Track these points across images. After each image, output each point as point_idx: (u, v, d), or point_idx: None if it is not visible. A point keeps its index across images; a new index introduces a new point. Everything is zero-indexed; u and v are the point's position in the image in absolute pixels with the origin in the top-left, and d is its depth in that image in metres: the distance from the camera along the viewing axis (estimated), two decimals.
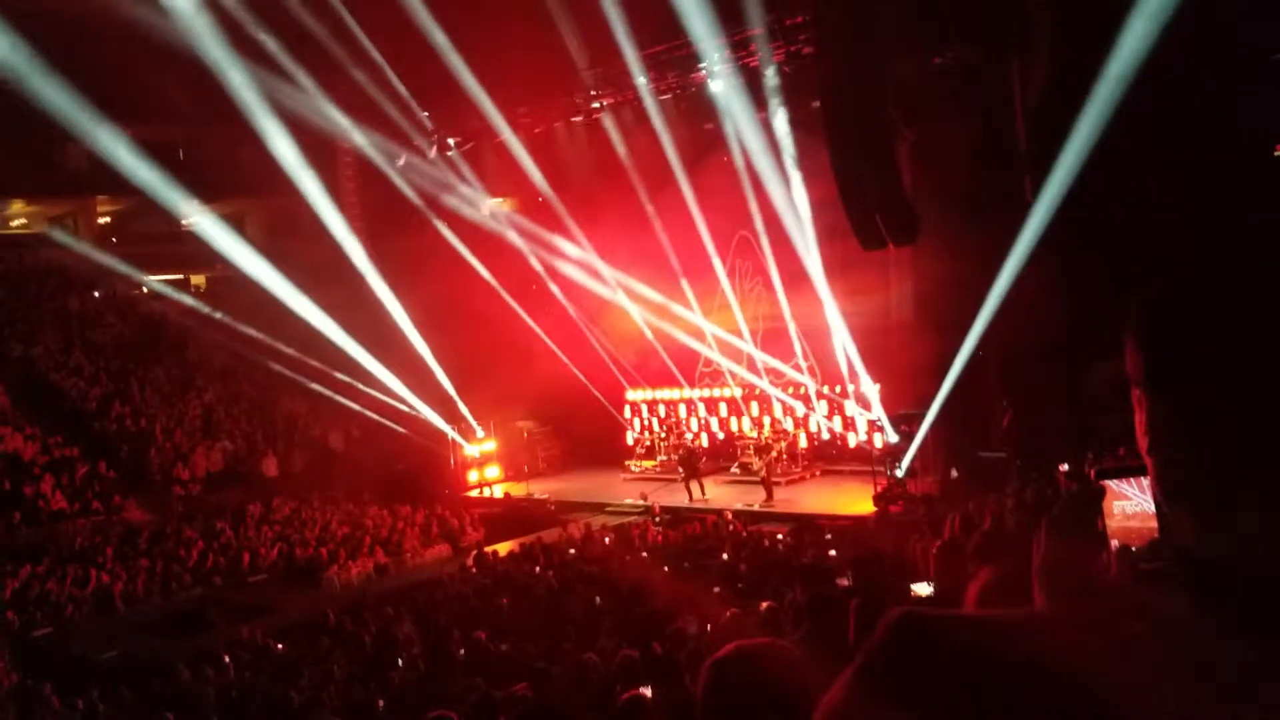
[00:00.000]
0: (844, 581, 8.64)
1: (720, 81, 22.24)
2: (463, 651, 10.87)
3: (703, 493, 22.74)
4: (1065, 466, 14.81)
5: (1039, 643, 1.03)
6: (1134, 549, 1.59)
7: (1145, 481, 1.54)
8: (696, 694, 2.16)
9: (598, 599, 13.06)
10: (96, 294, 30.42)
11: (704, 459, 24.48)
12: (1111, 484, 1.58)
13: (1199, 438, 1.09)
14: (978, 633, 1.03)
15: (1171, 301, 1.12)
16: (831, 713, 0.96)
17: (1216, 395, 1.06)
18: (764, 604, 10.02)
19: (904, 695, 0.94)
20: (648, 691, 5.77)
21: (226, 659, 12.70)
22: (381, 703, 9.30)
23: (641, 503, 22.32)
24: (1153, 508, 1.53)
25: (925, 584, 6.35)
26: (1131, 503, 1.57)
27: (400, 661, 11.26)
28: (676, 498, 22.60)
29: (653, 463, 26.39)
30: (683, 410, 26.84)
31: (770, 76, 20.90)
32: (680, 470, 23.29)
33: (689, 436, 26.09)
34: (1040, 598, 1.59)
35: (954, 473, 18.73)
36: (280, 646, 13.46)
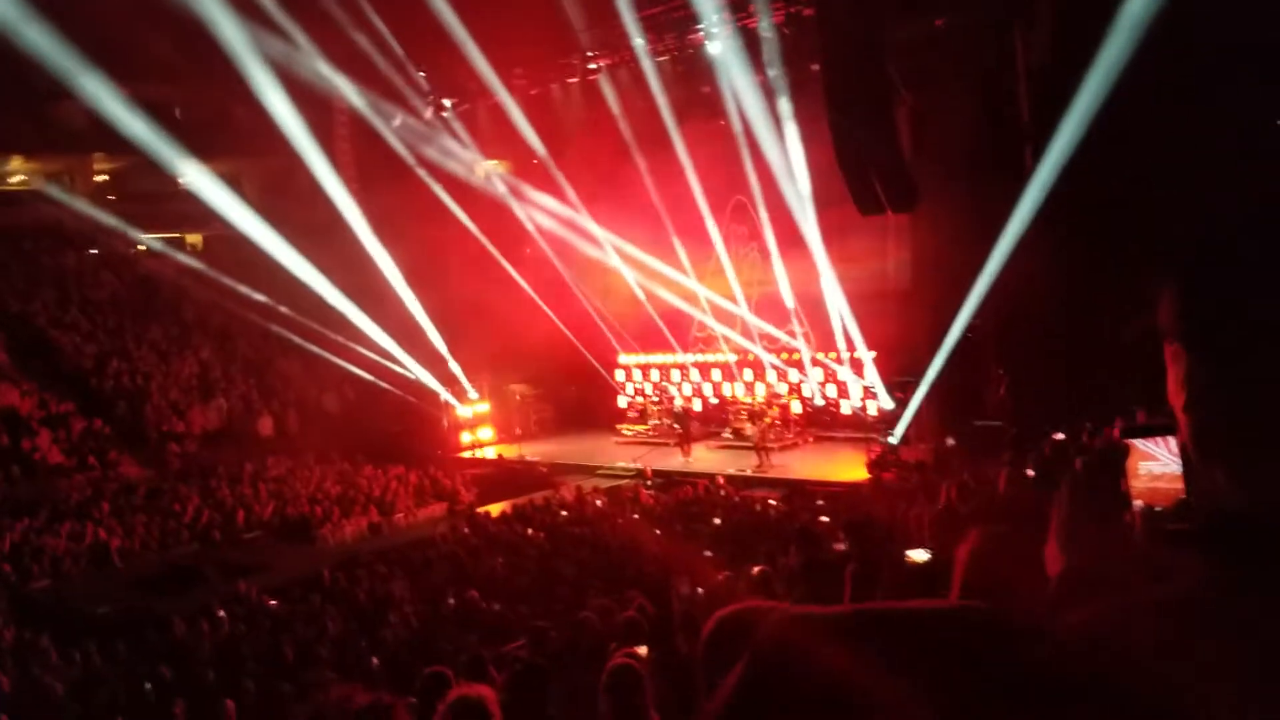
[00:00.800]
0: (840, 546, 8.69)
1: (718, 43, 22.10)
2: (455, 609, 10.95)
3: (687, 455, 22.93)
4: (1059, 435, 14.81)
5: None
6: (1159, 509, 1.58)
7: (1173, 442, 1.54)
8: (699, 647, 2.15)
9: (589, 560, 13.15)
10: (93, 251, 30.27)
11: (695, 422, 24.64)
12: (1139, 444, 1.58)
13: (1237, 392, 1.07)
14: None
15: (1213, 253, 1.11)
16: None
17: (1257, 349, 1.05)
18: (756, 568, 10.08)
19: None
20: (642, 651, 5.80)
21: (221, 614, 12.78)
22: (375, 660, 9.38)
23: (634, 465, 22.40)
24: (1180, 468, 1.53)
25: (921, 550, 6.39)
26: (1159, 463, 1.57)
27: (393, 619, 11.34)
28: (668, 462, 22.72)
29: (645, 426, 26.45)
30: (675, 375, 26.91)
31: (769, 38, 20.74)
32: (676, 427, 23.51)
33: (679, 401, 26.09)
34: (1060, 557, 1.59)
35: (949, 440, 18.76)
36: (274, 603, 13.53)
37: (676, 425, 23.64)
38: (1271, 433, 1.04)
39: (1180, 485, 1.47)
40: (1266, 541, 1.00)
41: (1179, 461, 1.49)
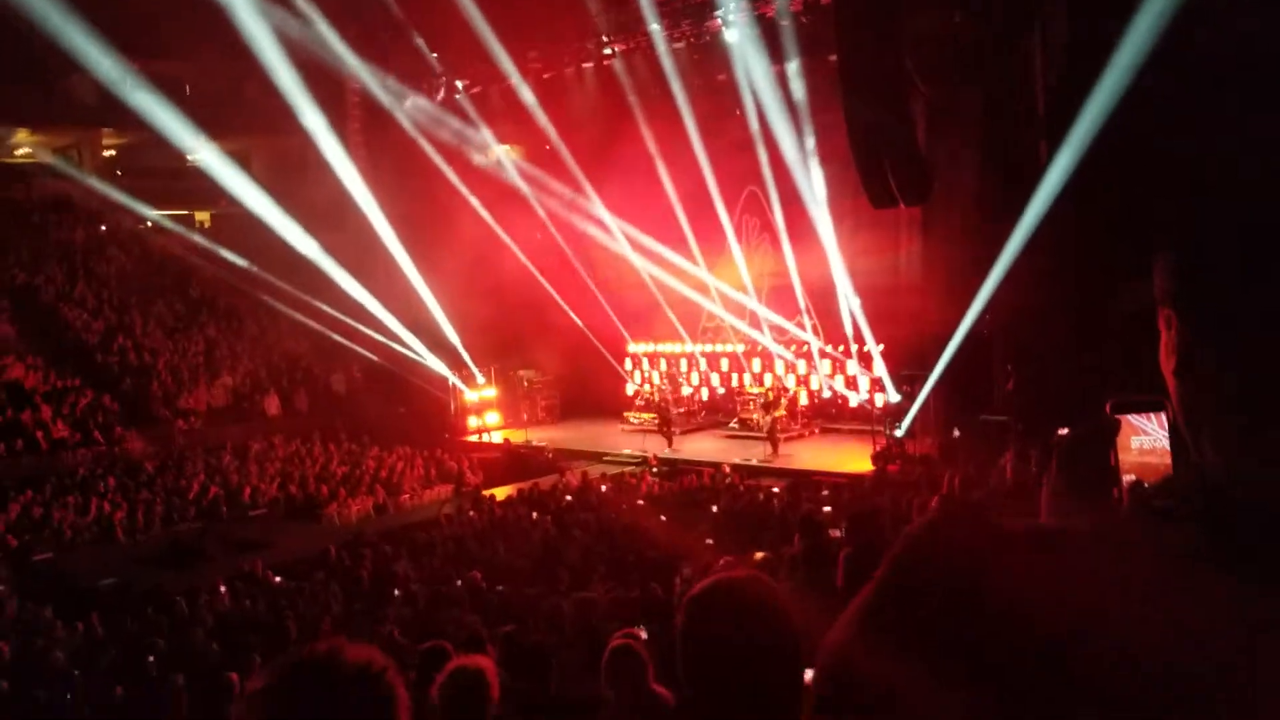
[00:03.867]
0: (835, 533, 8.70)
1: (735, 30, 21.97)
2: (459, 589, 10.97)
3: (669, 444, 22.96)
4: (1064, 431, 14.74)
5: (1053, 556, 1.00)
6: (1147, 485, 1.57)
7: (1163, 417, 1.53)
8: (683, 602, 2.15)
9: (593, 545, 13.16)
10: (102, 226, 30.35)
11: (677, 410, 24.76)
12: (1130, 418, 1.57)
13: (1227, 357, 1.06)
14: (994, 541, 0.99)
15: (1206, 221, 1.10)
16: (850, 630, 0.92)
17: (1248, 315, 1.04)
18: (758, 554, 10.09)
19: (918, 607, 0.89)
20: (643, 633, 5.80)
21: (224, 589, 12.82)
22: (385, 631, 9.39)
23: (639, 453, 22.44)
24: (1168, 444, 1.51)
25: None
26: (1149, 438, 1.55)
27: (397, 597, 11.37)
28: (674, 449, 22.80)
29: (651, 415, 26.38)
30: (684, 364, 26.89)
31: (786, 25, 20.65)
32: (655, 417, 23.68)
33: (662, 385, 26.03)
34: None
35: (956, 432, 18.72)
36: (278, 579, 13.58)
37: (656, 415, 23.80)
38: (1258, 400, 1.03)
39: (1169, 460, 1.45)
40: (1247, 514, 0.99)
41: (1167, 437, 1.47)
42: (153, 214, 30.28)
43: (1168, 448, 1.48)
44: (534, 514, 15.84)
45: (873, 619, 0.87)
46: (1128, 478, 1.59)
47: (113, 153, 34.92)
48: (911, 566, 0.89)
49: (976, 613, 0.82)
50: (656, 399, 24.68)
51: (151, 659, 9.44)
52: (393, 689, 1.53)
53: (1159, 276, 1.15)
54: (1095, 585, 0.93)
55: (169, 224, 30.59)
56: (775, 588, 2.13)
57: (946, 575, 0.86)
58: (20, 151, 33.04)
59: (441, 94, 27.22)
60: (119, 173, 33.06)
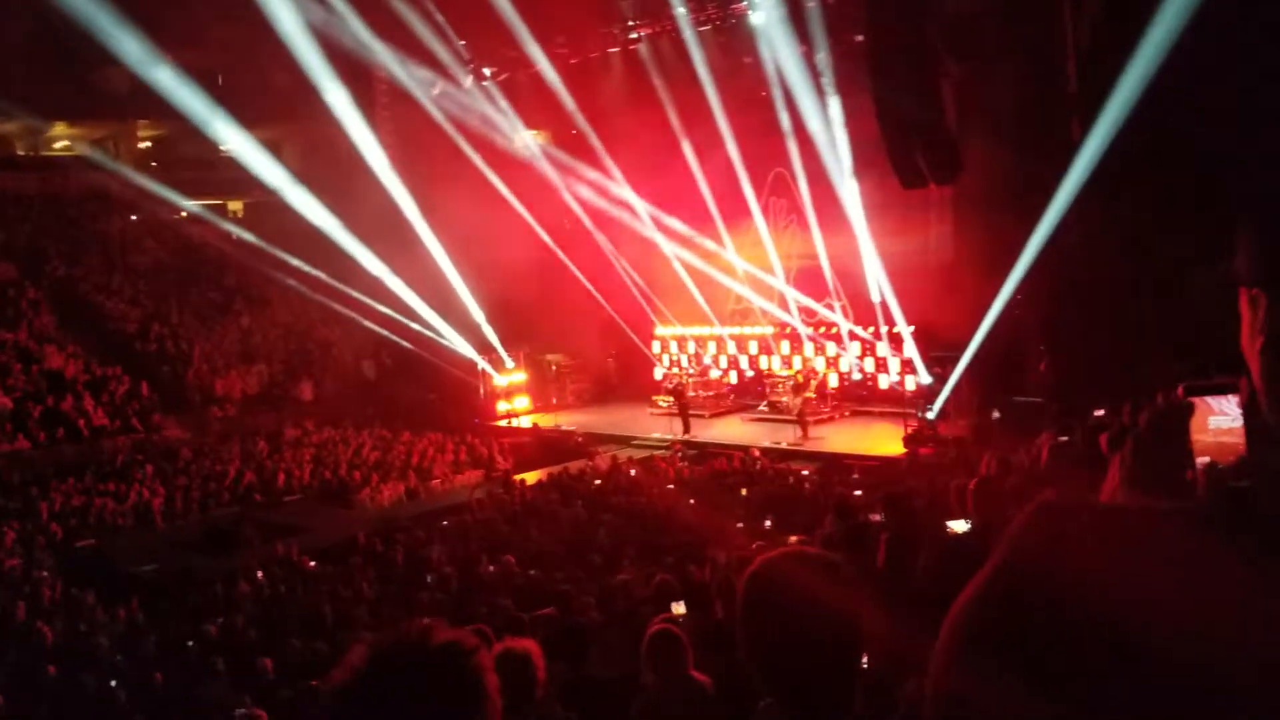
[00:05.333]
0: (875, 517, 8.67)
1: (761, 13, 21.84)
2: (491, 573, 11.04)
3: (685, 429, 22.83)
4: (1100, 412, 14.60)
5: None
6: (1222, 466, 1.55)
7: (1238, 398, 1.51)
8: (736, 610, 2.10)
9: (623, 528, 13.19)
10: (137, 217, 30.62)
11: (705, 393, 24.67)
12: (1207, 399, 1.55)
13: None
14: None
15: None
16: (968, 614, 0.86)
17: None
18: (793, 538, 10.09)
19: (1050, 594, 0.83)
20: (680, 609, 5.82)
21: (260, 575, 12.96)
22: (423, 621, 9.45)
23: (668, 436, 22.45)
24: (1243, 425, 1.49)
25: (961, 521, 6.36)
26: (1226, 417, 1.54)
27: (430, 582, 11.46)
28: (705, 433, 22.78)
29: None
30: (712, 347, 26.85)
31: (812, 7, 20.51)
32: (670, 402, 23.55)
33: (676, 371, 25.99)
34: None
35: (995, 414, 18.54)
36: (313, 564, 13.72)
37: (672, 399, 23.67)
38: None
39: (1245, 441, 1.44)
40: None
41: (1243, 417, 1.46)
42: (187, 204, 30.52)
43: (1244, 428, 1.47)
44: (564, 498, 15.90)
45: (982, 643, 0.80)
46: (1202, 460, 1.57)
47: (147, 144, 35.22)
48: (1023, 576, 0.83)
49: (1104, 629, 0.77)
50: (674, 384, 24.62)
51: (191, 644, 9.56)
52: (483, 670, 1.56)
53: (1243, 255, 1.13)
54: (1186, 575, 0.88)
55: (203, 214, 30.85)
56: (838, 562, 2.09)
57: (1065, 585, 0.81)
58: (58, 144, 33.38)
59: (469, 81, 27.24)
60: (154, 164, 33.33)
